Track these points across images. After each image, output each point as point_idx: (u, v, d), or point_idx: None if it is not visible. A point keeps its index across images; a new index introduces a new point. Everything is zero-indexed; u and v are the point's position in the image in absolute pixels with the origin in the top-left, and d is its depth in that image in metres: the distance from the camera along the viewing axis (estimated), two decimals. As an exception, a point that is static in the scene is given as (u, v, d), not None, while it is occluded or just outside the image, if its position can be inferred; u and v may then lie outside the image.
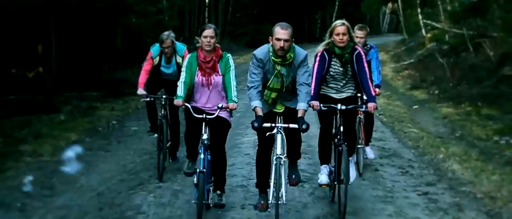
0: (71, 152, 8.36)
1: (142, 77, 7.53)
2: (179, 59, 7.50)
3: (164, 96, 7.39)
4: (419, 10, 26.90)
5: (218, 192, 5.83)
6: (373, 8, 33.50)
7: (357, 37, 6.96)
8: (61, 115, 11.23)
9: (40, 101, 11.94)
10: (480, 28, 18.01)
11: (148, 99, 7.42)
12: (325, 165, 6.09)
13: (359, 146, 7.36)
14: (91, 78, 14.70)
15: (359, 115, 7.21)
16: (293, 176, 5.77)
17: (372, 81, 6.46)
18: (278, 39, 5.19)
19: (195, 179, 5.47)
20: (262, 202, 5.48)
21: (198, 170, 5.42)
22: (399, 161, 8.24)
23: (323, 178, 6.02)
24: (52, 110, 11.56)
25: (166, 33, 7.52)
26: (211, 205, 5.74)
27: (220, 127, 5.72)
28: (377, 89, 7.22)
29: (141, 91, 7.42)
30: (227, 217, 5.77)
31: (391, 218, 5.81)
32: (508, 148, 9.07)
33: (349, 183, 5.79)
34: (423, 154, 8.76)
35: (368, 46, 7.50)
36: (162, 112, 7.44)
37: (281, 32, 5.19)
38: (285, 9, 38.05)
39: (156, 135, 7.66)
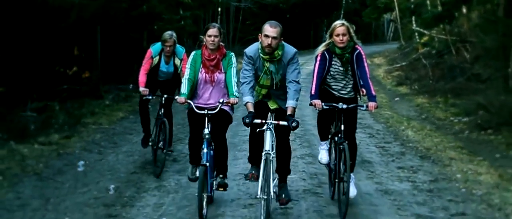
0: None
1: (142, 76, 7.69)
2: (177, 61, 7.79)
3: (165, 96, 7.73)
4: (413, 18, 29.53)
5: (221, 176, 6.02)
6: (373, 17, 36.00)
7: None
8: (106, 101, 13.98)
9: (87, 90, 14.68)
10: (461, 34, 20.71)
11: (150, 97, 7.67)
12: (325, 141, 6.29)
13: None
14: (126, 74, 17.44)
15: None
16: (283, 195, 5.70)
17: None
18: (266, 36, 5.30)
19: (197, 173, 5.70)
20: (252, 172, 5.71)
21: (200, 163, 5.61)
22: (370, 130, 10.93)
23: (323, 155, 6.25)
24: (98, 97, 14.30)
25: (169, 32, 7.72)
26: (214, 187, 6.03)
27: (222, 120, 5.89)
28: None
29: (143, 89, 7.60)
30: (234, 184, 6.95)
31: (352, 157, 8.47)
32: (458, 124, 11.72)
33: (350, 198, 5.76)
34: (390, 126, 11.46)
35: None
36: (161, 111, 7.81)
37: (269, 29, 5.30)
38: (292, 17, 40.73)
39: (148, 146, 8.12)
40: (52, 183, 7.06)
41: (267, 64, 5.47)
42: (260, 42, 5.42)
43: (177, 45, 7.85)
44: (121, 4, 12.85)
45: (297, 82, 5.46)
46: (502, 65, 13.59)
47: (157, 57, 7.77)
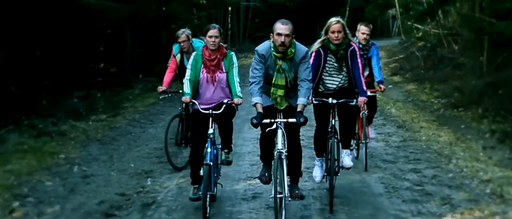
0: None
1: (167, 76, 7.93)
2: None
3: (180, 91, 7.37)
4: (411, 14, 31.58)
5: (226, 150, 6.33)
6: (375, 14, 37.96)
7: (363, 33, 7.65)
8: (136, 90, 16.25)
9: (120, 81, 16.98)
10: (452, 28, 22.86)
11: (168, 95, 7.88)
12: (320, 159, 6.37)
13: (362, 141, 7.88)
14: (150, 68, 19.75)
15: (364, 111, 7.80)
16: (297, 191, 5.69)
17: (364, 76, 6.85)
18: (279, 34, 5.28)
19: (201, 172, 5.77)
20: (266, 174, 5.78)
21: (204, 163, 5.65)
22: (360, 109, 13.08)
23: (317, 172, 6.34)
24: (129, 87, 16.57)
25: (182, 29, 8.02)
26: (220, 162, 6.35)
27: (227, 115, 6.03)
28: (382, 86, 7.91)
29: (161, 87, 7.77)
30: (244, 160, 8.39)
31: (342, 127, 10.66)
32: (436, 104, 13.85)
33: (347, 169, 6.50)
34: (378, 107, 13.54)
35: (370, 43, 7.82)
36: (182, 106, 8.00)
37: (281, 27, 5.28)
38: (299, 14, 42.87)
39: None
40: (111, 146, 9.33)
41: (279, 62, 5.45)
42: (273, 41, 5.41)
43: (195, 40, 8.08)
44: (151, 6, 15.06)
45: (309, 80, 5.52)
46: (478, 54, 15.78)
47: (179, 55, 8.05)
